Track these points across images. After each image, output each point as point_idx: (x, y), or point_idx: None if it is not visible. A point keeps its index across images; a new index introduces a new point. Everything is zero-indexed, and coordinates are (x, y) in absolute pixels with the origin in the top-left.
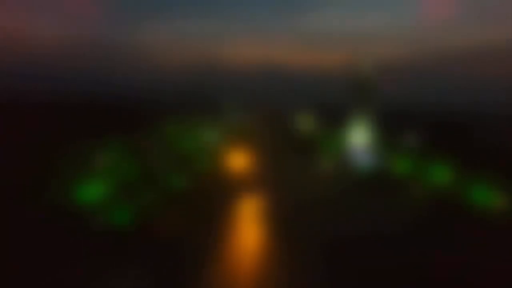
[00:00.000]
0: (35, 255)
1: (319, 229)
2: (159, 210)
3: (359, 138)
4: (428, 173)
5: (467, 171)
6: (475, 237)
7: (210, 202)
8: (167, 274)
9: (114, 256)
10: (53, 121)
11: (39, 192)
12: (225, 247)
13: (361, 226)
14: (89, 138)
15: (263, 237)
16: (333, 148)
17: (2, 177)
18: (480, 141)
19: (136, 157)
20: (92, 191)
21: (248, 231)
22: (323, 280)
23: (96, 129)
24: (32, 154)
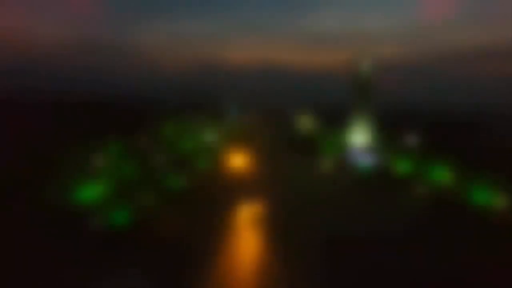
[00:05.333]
0: (34, 255)
1: (319, 229)
2: (159, 210)
3: (359, 138)
4: (428, 173)
5: (467, 171)
6: (476, 237)
7: (210, 202)
8: (166, 274)
9: (113, 255)
10: (52, 120)
11: (38, 192)
12: (225, 247)
13: (361, 226)
14: (89, 138)
15: (263, 237)
16: (333, 148)
17: (2, 176)
18: (481, 141)
19: (135, 157)
20: (92, 191)
21: (249, 231)
22: (323, 280)
23: (96, 129)
24: (32, 153)
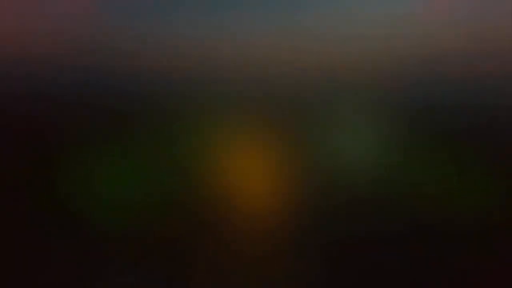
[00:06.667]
0: (34, 255)
1: (319, 229)
2: (158, 211)
3: (359, 138)
4: (427, 173)
5: (468, 170)
6: (476, 238)
7: (210, 203)
8: (166, 276)
9: (112, 258)
10: (52, 120)
11: (38, 192)
12: (224, 248)
13: (361, 227)
14: (88, 138)
15: (262, 237)
16: (334, 148)
17: (1, 177)
18: (481, 141)
19: (135, 157)
20: (91, 191)
21: (248, 231)
22: (323, 280)
23: (95, 129)
24: (31, 154)
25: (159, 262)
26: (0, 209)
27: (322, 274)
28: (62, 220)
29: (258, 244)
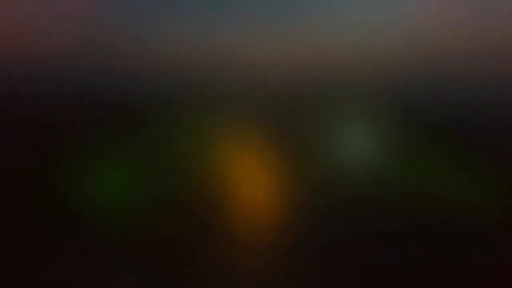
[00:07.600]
0: (34, 255)
1: (319, 229)
2: (158, 212)
3: (359, 138)
4: (427, 173)
5: (467, 171)
6: (476, 238)
7: (209, 203)
8: (166, 276)
9: (112, 258)
10: (52, 120)
11: (38, 192)
12: (224, 248)
13: (361, 227)
14: (88, 138)
15: (263, 237)
16: (333, 148)
17: (2, 177)
18: (480, 141)
19: (134, 157)
20: (91, 190)
21: (248, 231)
22: (323, 280)
23: (95, 129)
24: (31, 153)
25: (159, 262)
26: (0, 209)
27: (322, 274)
28: (62, 220)
29: (258, 244)
